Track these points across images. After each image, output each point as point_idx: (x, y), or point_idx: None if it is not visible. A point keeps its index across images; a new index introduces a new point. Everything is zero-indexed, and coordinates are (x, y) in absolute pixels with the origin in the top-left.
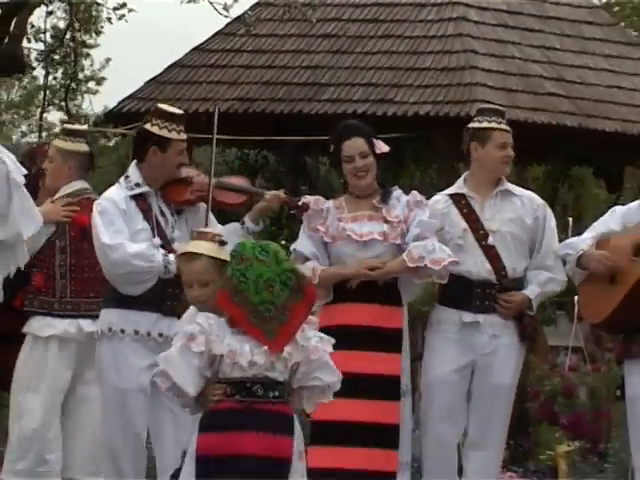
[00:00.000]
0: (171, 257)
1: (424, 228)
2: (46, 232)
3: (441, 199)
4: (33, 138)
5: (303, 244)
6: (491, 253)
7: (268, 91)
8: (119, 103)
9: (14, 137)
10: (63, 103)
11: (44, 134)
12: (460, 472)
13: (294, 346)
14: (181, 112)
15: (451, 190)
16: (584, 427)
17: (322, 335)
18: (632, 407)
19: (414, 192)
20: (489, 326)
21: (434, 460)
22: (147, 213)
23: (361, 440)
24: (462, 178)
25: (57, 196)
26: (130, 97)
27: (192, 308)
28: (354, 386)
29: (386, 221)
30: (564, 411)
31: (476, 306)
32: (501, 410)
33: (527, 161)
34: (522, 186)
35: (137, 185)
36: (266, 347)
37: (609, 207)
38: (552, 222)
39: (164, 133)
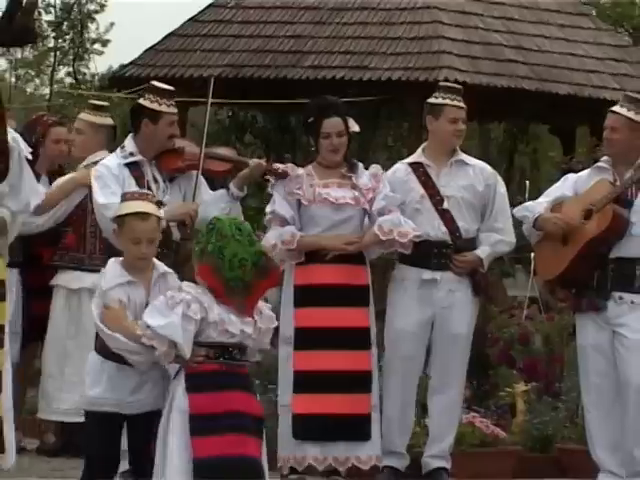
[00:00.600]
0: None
1: (389, 202)
2: (79, 195)
3: (401, 167)
4: (45, 91)
5: (282, 207)
6: (446, 216)
7: (256, 58)
8: (121, 69)
9: (28, 90)
10: (72, 65)
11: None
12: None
13: (260, 316)
14: (172, 88)
15: (411, 159)
16: (539, 370)
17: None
18: (582, 354)
19: (376, 166)
20: (446, 282)
21: (396, 402)
22: (140, 180)
23: (338, 387)
24: (421, 148)
25: (85, 163)
26: (131, 63)
27: (113, 262)
28: (329, 339)
29: (354, 187)
30: (521, 356)
31: (434, 264)
32: (459, 357)
33: (489, 120)
34: (485, 143)
35: (131, 154)
36: (250, 318)
37: (563, 169)
38: (502, 189)
39: (155, 106)
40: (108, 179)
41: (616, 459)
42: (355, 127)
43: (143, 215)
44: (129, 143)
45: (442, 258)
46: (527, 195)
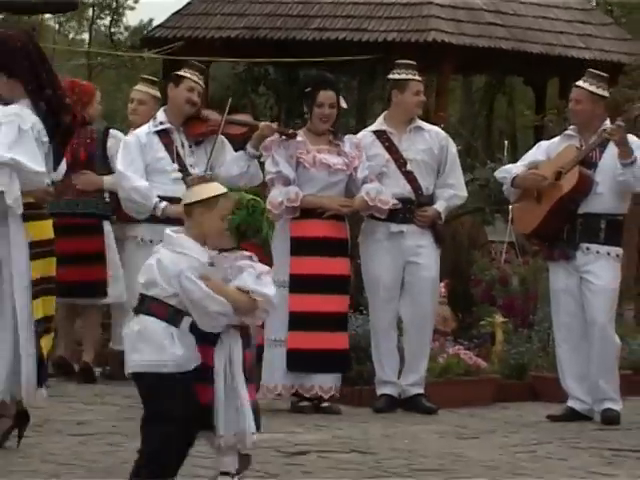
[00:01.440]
0: (163, 204)
1: (371, 171)
2: None
3: (367, 134)
4: (84, 36)
5: (286, 168)
6: (410, 177)
7: (268, 21)
8: (150, 31)
9: (70, 35)
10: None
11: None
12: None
13: None
14: (201, 65)
15: (373, 127)
16: (516, 307)
17: None
18: (554, 297)
19: (359, 136)
20: (411, 234)
21: (381, 338)
22: (169, 146)
23: (326, 326)
24: (381, 117)
25: None
26: (159, 26)
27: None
28: (319, 285)
29: (340, 154)
30: (500, 295)
31: (400, 218)
32: (429, 297)
33: (472, 74)
34: (468, 94)
35: (161, 123)
36: None
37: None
38: (453, 149)
39: (180, 73)
40: (133, 149)
41: (583, 388)
42: (344, 104)
43: (227, 194)
44: (160, 114)
45: (407, 213)
46: (505, 153)
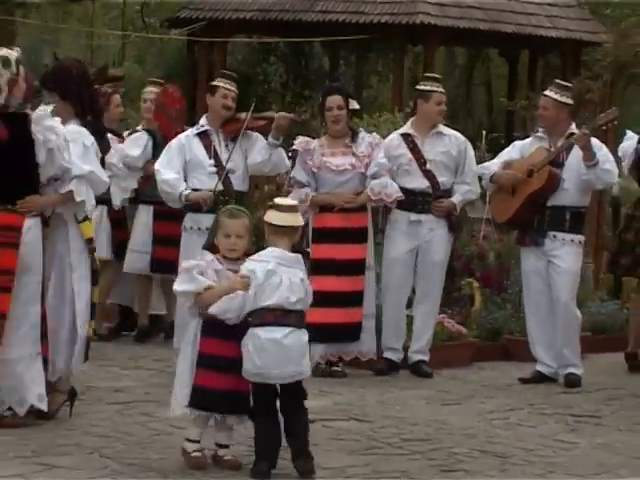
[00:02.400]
0: (186, 192)
1: (380, 167)
2: None
3: (395, 137)
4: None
5: (299, 174)
6: (429, 174)
7: (278, 4)
8: (177, 12)
9: None
10: None
11: None
12: (410, 323)
13: None
14: (232, 74)
15: (402, 130)
16: (491, 278)
17: None
18: (525, 277)
19: (374, 134)
20: (428, 222)
21: (392, 311)
22: (207, 145)
23: (341, 303)
24: (410, 122)
25: None
26: (184, 8)
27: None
28: (336, 267)
29: (354, 155)
30: (478, 268)
31: (418, 209)
32: (437, 277)
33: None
34: (451, 66)
35: (202, 126)
36: None
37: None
38: (471, 152)
39: (214, 82)
40: (173, 151)
41: (549, 355)
42: (355, 105)
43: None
44: (202, 119)
45: (425, 204)
46: (484, 141)
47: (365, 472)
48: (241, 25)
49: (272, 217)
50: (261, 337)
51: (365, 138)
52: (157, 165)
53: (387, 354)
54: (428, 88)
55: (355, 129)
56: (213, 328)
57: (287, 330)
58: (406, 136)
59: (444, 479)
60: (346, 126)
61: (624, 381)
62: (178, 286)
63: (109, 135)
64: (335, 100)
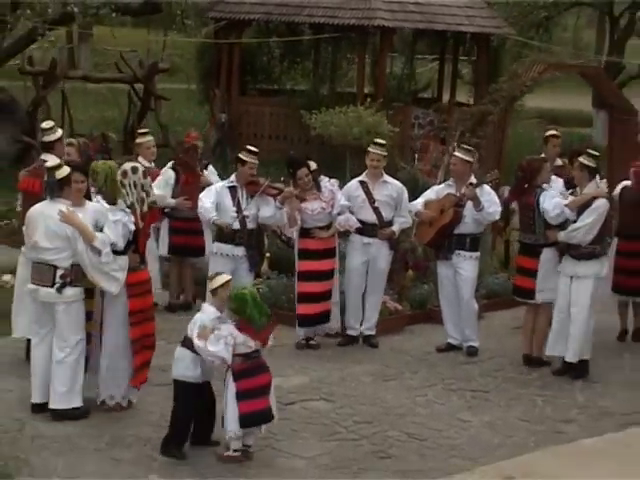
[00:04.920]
0: (214, 219)
1: (343, 208)
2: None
3: (354, 183)
4: None
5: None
6: (376, 210)
7: (277, 9)
8: (203, 12)
9: None
10: None
11: None
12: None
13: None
14: (255, 150)
15: (359, 178)
16: (420, 266)
17: None
18: (440, 281)
19: (332, 181)
20: (375, 244)
21: (352, 301)
22: (234, 197)
23: (319, 299)
24: (364, 174)
25: None
26: (210, 10)
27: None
28: (315, 276)
29: (322, 200)
30: (411, 259)
31: (369, 234)
32: (381, 279)
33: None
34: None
35: (231, 182)
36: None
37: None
38: (405, 195)
39: (242, 156)
40: (213, 191)
41: (456, 331)
42: (314, 166)
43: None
44: (233, 176)
45: (373, 231)
46: (415, 163)
47: (327, 462)
48: (250, 23)
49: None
50: None
51: (327, 185)
52: (201, 201)
53: (349, 331)
54: (371, 149)
55: (317, 181)
56: (241, 373)
57: None
58: (362, 182)
59: (378, 468)
60: (311, 182)
61: (506, 346)
62: (212, 347)
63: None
64: (303, 172)
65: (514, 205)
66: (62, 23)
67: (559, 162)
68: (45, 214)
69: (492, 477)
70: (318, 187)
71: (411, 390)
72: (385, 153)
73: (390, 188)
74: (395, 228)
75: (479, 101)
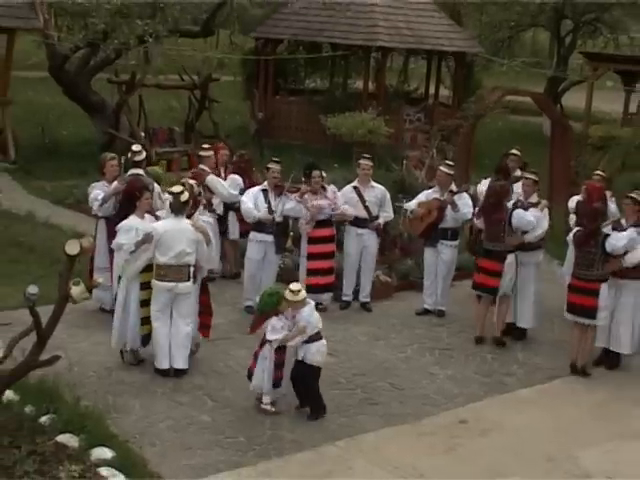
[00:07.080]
0: (256, 213)
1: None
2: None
3: (349, 188)
4: None
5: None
6: (367, 209)
7: (302, 32)
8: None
9: None
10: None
11: None
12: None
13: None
14: (278, 160)
15: (352, 184)
16: (405, 248)
17: None
18: (426, 261)
19: (332, 186)
20: (366, 234)
21: (348, 274)
22: (266, 197)
23: (324, 274)
24: (356, 180)
25: None
26: (252, 30)
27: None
28: (321, 256)
29: (326, 198)
30: (399, 242)
31: (361, 226)
32: (372, 260)
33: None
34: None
35: (264, 187)
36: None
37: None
38: (388, 196)
39: (269, 165)
40: (250, 196)
41: (431, 299)
42: (324, 174)
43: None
44: (265, 183)
45: (364, 223)
46: (401, 166)
47: (330, 406)
48: (282, 41)
49: None
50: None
51: (330, 190)
52: (243, 198)
53: (344, 297)
54: (361, 161)
55: (324, 186)
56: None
57: None
58: (355, 187)
59: (369, 412)
60: (321, 183)
61: (468, 311)
62: (270, 336)
63: None
64: (317, 173)
65: (478, 222)
66: (143, 42)
67: (518, 173)
68: (183, 228)
69: (451, 421)
70: (324, 189)
71: (395, 348)
72: (372, 164)
73: (376, 191)
74: (381, 221)
75: (456, 103)
